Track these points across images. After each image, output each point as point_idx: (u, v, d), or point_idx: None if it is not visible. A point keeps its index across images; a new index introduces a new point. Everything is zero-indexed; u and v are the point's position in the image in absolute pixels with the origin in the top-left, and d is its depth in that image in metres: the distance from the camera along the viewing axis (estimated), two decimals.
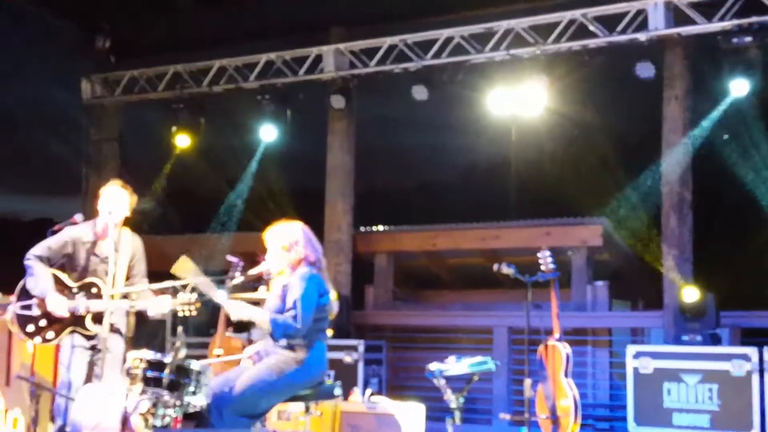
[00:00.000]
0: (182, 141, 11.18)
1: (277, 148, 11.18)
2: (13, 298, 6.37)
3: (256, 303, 7.05)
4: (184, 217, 12.72)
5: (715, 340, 8.69)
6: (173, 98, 11.14)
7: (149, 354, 5.23)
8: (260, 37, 10.98)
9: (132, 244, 6.50)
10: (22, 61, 11.28)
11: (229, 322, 8.46)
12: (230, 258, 8.20)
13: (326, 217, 11.04)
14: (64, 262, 6.40)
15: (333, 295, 5.82)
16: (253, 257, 7.64)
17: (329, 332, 5.90)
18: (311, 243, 5.84)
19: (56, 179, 12.83)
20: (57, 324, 6.27)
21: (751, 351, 8.14)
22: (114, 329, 6.28)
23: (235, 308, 5.65)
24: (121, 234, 6.36)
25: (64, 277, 6.35)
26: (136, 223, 6.71)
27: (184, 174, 11.75)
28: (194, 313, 5.97)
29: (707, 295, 8.75)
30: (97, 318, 6.17)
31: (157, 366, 5.18)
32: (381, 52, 10.15)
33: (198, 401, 5.27)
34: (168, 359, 5.21)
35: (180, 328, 5.34)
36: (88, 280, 6.34)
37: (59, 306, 6.19)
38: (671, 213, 9.35)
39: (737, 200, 9.69)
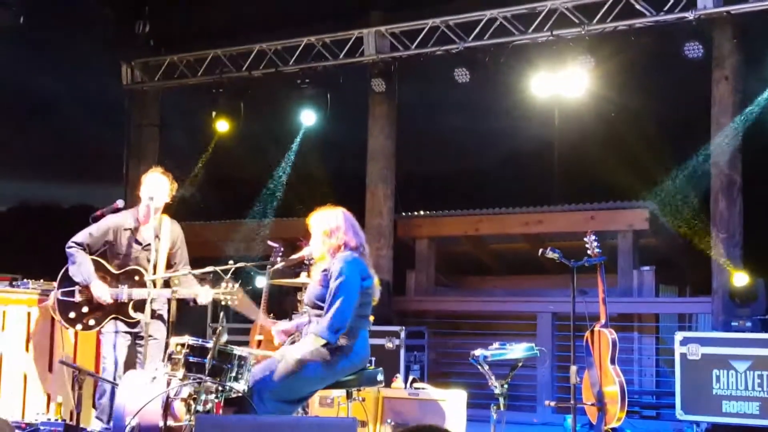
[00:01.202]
0: (222, 126, 11.13)
1: (317, 132, 11.11)
2: (55, 284, 6.39)
3: (298, 288, 7.04)
4: (225, 202, 12.72)
5: (766, 326, 8.49)
6: (213, 83, 11.11)
7: (191, 339, 5.19)
8: (300, 21, 10.90)
9: (172, 232, 6.48)
10: (62, 47, 11.31)
11: (269, 309, 8.42)
12: (271, 243, 8.20)
13: (367, 202, 10.95)
14: (106, 249, 6.40)
15: (376, 280, 5.75)
16: (293, 243, 7.59)
17: (371, 318, 5.83)
18: (353, 229, 5.77)
19: (96, 166, 12.87)
20: (98, 311, 6.28)
21: None
22: (156, 316, 6.26)
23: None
24: (161, 221, 6.34)
25: (106, 264, 6.35)
26: (176, 209, 6.68)
27: (224, 159, 11.72)
28: (235, 302, 5.94)
29: (757, 280, 8.56)
30: (139, 305, 6.16)
31: (199, 351, 5.15)
32: (422, 35, 10.02)
33: (239, 386, 5.23)
34: (210, 345, 5.17)
35: (222, 314, 5.31)
36: (130, 267, 6.34)
37: (103, 293, 6.20)
38: (720, 196, 9.13)
39: None
